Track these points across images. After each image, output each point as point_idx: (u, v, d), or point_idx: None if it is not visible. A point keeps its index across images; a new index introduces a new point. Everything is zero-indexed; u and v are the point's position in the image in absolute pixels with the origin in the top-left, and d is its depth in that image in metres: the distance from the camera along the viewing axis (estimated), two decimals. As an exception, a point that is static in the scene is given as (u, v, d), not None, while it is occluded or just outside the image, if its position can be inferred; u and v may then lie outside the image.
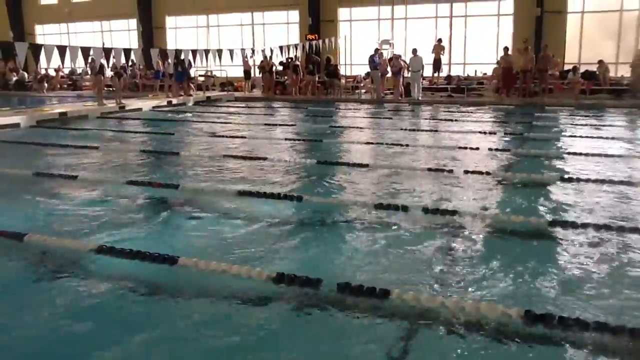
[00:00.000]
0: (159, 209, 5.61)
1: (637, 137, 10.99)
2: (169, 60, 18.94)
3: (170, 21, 28.30)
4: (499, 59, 19.42)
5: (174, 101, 18.36)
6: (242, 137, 10.61)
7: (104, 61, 15.59)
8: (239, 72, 23.13)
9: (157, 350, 2.90)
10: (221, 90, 23.32)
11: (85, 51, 14.61)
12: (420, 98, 19.15)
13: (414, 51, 19.44)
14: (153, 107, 16.99)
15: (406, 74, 19.99)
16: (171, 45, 26.81)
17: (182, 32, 28.23)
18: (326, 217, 5.23)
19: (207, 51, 18.49)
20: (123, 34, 29.08)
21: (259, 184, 6.48)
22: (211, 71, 23.00)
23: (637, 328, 2.84)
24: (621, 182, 6.37)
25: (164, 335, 3.06)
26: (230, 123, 13.41)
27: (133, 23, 28.67)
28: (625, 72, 20.19)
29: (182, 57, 17.76)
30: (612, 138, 10.30)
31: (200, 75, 22.98)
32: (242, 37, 26.82)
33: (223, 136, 10.73)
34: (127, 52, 15.98)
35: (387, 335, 3.00)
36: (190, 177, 7.15)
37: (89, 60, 15.55)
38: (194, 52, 17.95)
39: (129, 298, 3.49)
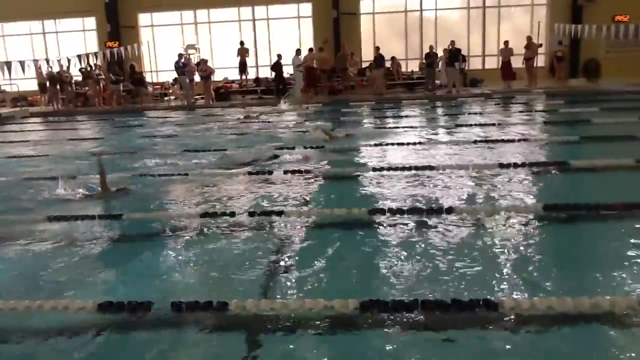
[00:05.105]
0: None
1: (432, 124, 12.21)
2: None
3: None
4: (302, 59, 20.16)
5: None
6: (44, 156, 9.70)
7: None
8: (33, 86, 21.16)
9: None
10: (13, 106, 21.09)
11: None
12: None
13: (297, 51, 19.61)
14: None
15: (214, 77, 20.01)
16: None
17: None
18: (151, 232, 4.98)
19: (-9, 64, 16.60)
20: None
21: (71, 206, 5.95)
22: (-1, 86, 20.76)
23: (461, 300, 3.11)
24: (424, 167, 6.96)
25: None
26: (27, 142, 12.18)
27: None
28: (414, 67, 22.36)
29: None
30: (412, 127, 11.29)
31: (-15, 91, 20.60)
32: (33, 47, 24.54)
33: (21, 157, 9.70)
34: None
35: (230, 346, 2.94)
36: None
37: None
38: (-25, 65, 16.00)
39: None
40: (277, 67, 20.06)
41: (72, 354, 2.95)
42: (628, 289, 3.34)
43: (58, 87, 20.08)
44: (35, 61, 18.88)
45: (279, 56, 20.00)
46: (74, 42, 24.00)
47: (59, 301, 3.37)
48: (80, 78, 20.95)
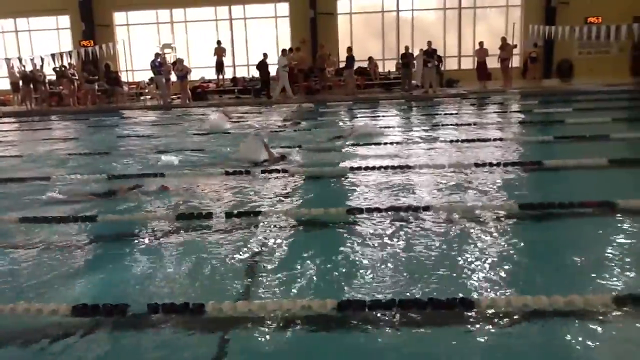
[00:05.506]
0: None
1: (409, 124, 12.27)
2: None
3: None
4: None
5: None
6: (17, 156, 9.53)
7: None
8: (5, 85, 20.77)
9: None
10: (-15, 105, 20.71)
11: None
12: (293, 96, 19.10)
13: (283, 51, 19.38)
14: None
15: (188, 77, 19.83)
16: None
17: None
18: (126, 235, 4.92)
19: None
20: None
21: (45, 208, 5.84)
22: (-31, 85, 20.35)
23: (438, 299, 3.14)
24: (400, 167, 6.99)
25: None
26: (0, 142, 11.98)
27: None
28: (391, 67, 22.47)
29: None
30: (389, 127, 11.32)
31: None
32: (5, 46, 24.09)
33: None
34: None
35: (208, 348, 2.91)
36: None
37: None
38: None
39: None
40: (262, 66, 19.86)
41: (46, 358, 2.90)
42: (602, 286, 3.39)
43: (31, 86, 19.72)
44: (8, 60, 18.56)
45: (265, 55, 19.77)
46: (47, 40, 23.63)
47: (33, 304, 3.31)
48: (54, 77, 20.62)
